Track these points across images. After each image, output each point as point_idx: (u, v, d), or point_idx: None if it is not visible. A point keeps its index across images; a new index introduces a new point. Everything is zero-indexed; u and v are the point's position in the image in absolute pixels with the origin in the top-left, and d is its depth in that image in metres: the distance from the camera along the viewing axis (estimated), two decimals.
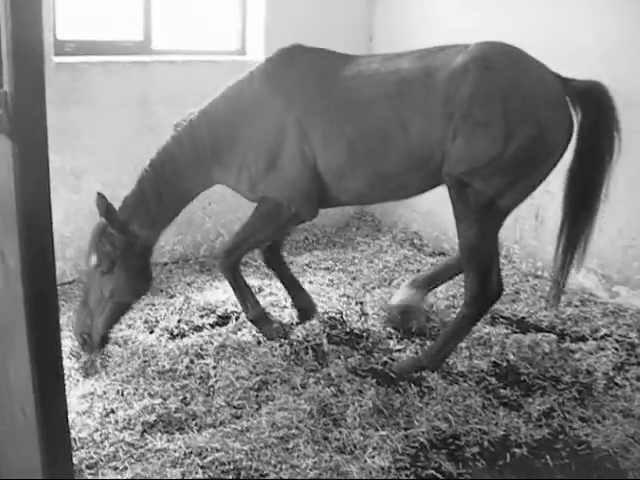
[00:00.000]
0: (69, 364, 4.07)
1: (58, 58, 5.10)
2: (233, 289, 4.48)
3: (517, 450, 3.46)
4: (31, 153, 1.82)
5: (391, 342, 4.49)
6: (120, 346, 4.36)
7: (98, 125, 5.32)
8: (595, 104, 3.74)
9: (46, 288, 1.92)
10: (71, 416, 3.51)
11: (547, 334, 4.58)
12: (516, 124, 3.65)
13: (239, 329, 4.56)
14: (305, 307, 4.68)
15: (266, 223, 4.31)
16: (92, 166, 5.29)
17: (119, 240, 4.12)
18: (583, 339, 4.61)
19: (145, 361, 4.13)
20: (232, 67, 5.91)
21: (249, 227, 4.35)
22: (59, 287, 4.80)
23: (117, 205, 4.20)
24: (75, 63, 5.22)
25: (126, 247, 4.15)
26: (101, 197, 3.98)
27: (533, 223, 5.59)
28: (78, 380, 3.96)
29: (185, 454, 3.26)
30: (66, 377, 3.91)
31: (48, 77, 1.82)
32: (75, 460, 3.15)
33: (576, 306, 5.07)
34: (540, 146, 3.72)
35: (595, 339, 4.60)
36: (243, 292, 4.46)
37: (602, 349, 4.44)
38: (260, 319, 4.46)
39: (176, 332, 4.58)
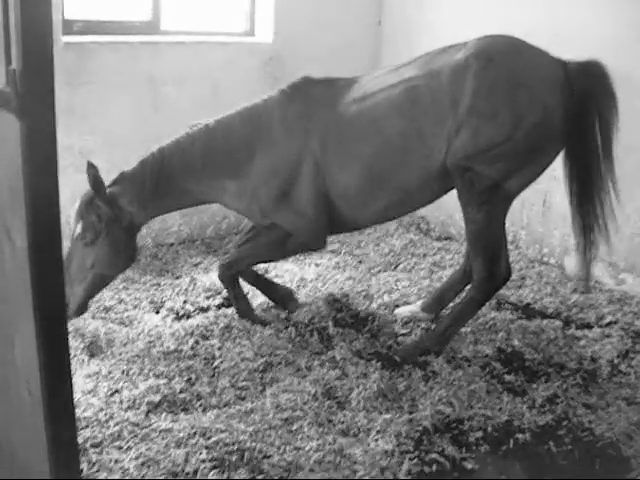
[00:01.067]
0: (75, 344, 4.07)
1: (66, 38, 5.09)
2: (229, 295, 4.55)
3: (520, 436, 3.46)
4: (39, 132, 1.81)
5: (396, 326, 4.50)
6: (126, 326, 4.38)
7: (106, 105, 5.32)
8: (591, 81, 3.69)
9: (52, 267, 1.92)
10: (76, 395, 3.54)
11: (552, 320, 4.59)
12: (523, 113, 3.64)
13: None
14: (283, 295, 4.68)
15: (272, 249, 4.36)
16: (100, 146, 5.28)
17: (105, 212, 4.08)
18: (588, 326, 4.61)
19: (150, 341, 4.14)
20: (241, 48, 5.91)
21: (254, 248, 4.40)
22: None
23: None
24: (83, 43, 5.20)
25: (111, 220, 4.11)
26: (91, 167, 3.95)
27: (540, 209, 5.57)
28: (84, 360, 3.97)
29: (189, 434, 3.27)
30: (72, 356, 3.92)
31: (56, 56, 1.81)
32: (80, 439, 3.16)
33: (582, 293, 5.06)
34: (546, 131, 3.71)
35: (600, 326, 4.59)
36: (239, 300, 4.49)
37: (607, 336, 4.43)
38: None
39: (182, 313, 4.60)
